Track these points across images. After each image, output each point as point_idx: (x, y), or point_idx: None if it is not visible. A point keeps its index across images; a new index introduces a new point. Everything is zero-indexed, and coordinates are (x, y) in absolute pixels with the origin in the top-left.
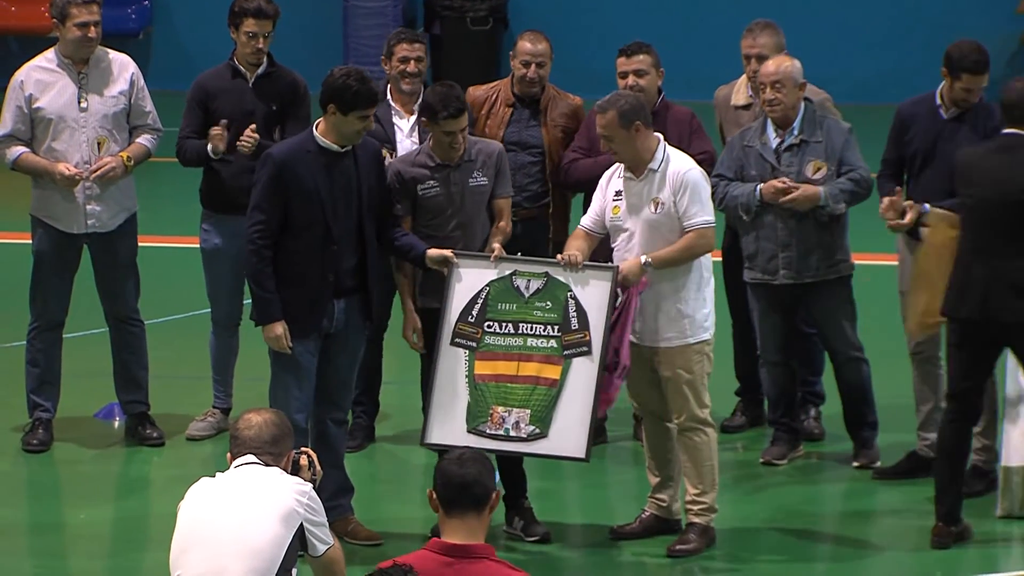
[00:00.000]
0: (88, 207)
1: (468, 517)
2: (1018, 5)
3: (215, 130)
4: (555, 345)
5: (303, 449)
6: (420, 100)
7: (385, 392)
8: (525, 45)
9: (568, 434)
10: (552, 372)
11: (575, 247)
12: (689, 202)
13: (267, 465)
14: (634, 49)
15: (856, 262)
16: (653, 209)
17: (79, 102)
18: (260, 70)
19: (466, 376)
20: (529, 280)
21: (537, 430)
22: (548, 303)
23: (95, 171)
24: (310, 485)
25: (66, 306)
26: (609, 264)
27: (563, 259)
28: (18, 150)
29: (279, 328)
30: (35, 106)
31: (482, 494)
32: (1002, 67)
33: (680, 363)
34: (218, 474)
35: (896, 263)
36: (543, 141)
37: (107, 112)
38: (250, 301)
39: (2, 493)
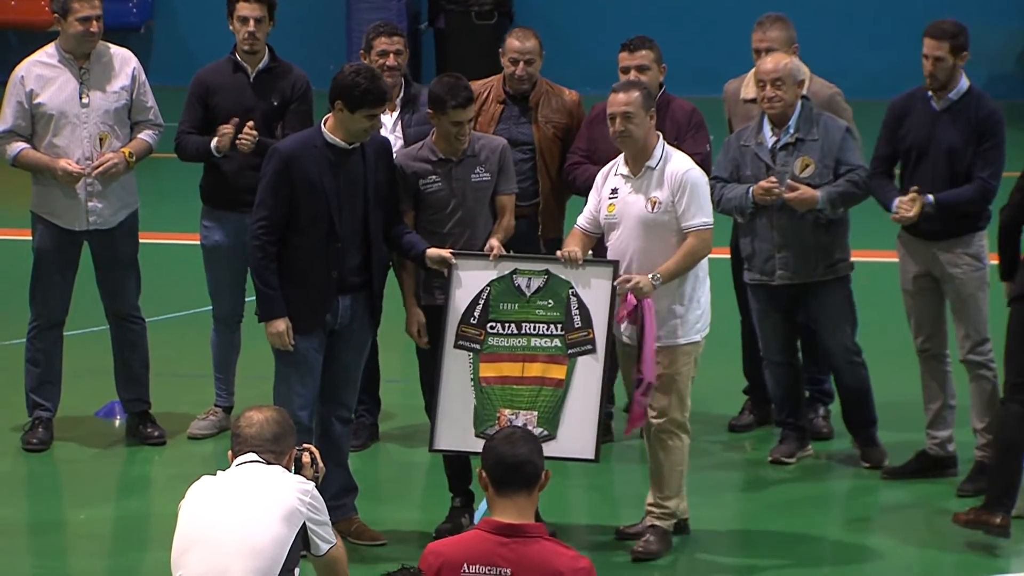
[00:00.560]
0: (89, 204)
1: (519, 496)
2: None
3: (225, 128)
4: (559, 344)
5: (305, 446)
6: (402, 94)
7: (389, 391)
8: (513, 43)
9: (576, 435)
10: (558, 372)
11: (572, 245)
12: (688, 203)
13: (269, 463)
14: (636, 44)
15: (856, 260)
16: (650, 208)
17: (80, 97)
18: (261, 65)
19: (471, 379)
20: (530, 278)
21: (545, 432)
22: (550, 301)
23: (97, 167)
24: (312, 484)
25: (67, 304)
26: (609, 260)
27: (563, 255)
28: (19, 146)
29: (281, 325)
30: (36, 101)
31: (533, 473)
32: (1012, 63)
33: (667, 363)
34: (219, 473)
35: (896, 260)
36: (534, 139)
37: (108, 107)
38: (252, 299)
39: (2, 492)
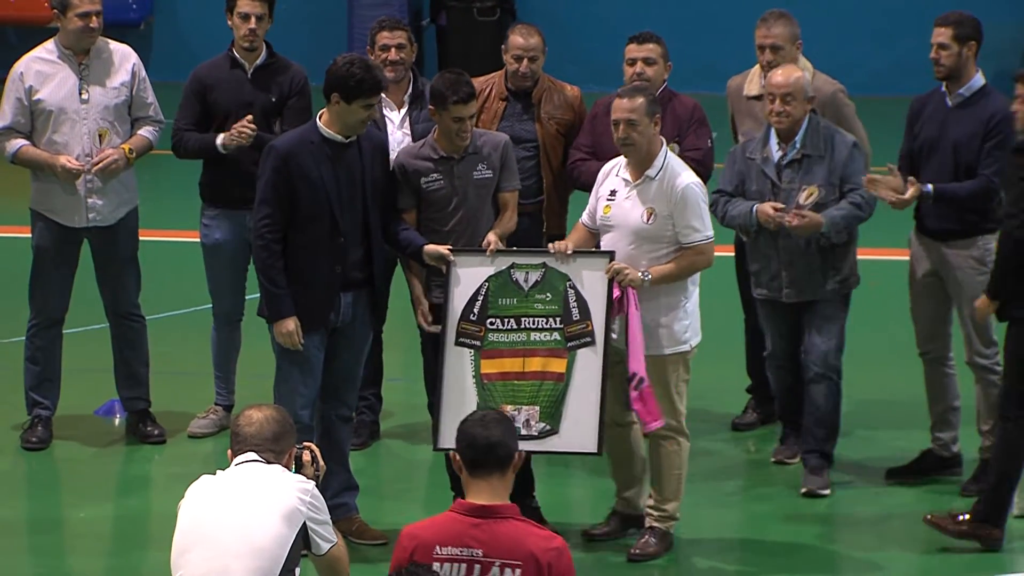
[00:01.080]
0: (89, 200)
1: (492, 478)
2: None
3: (244, 126)
4: (558, 337)
5: (305, 444)
6: (410, 90)
7: (390, 389)
8: (517, 39)
9: (579, 429)
10: (558, 366)
11: (572, 239)
12: (688, 219)
13: (269, 463)
14: (646, 37)
15: (864, 258)
16: (646, 219)
17: (80, 94)
18: (259, 61)
19: (473, 376)
20: (527, 272)
21: (548, 427)
22: (548, 295)
23: (96, 164)
24: (312, 483)
25: (66, 302)
26: (605, 251)
27: (553, 248)
28: (18, 143)
29: (291, 324)
30: (35, 98)
31: (506, 455)
32: (1017, 59)
33: (653, 374)
34: (219, 472)
35: (907, 258)
36: (537, 135)
37: (108, 104)
38: (252, 297)
39: (1, 491)
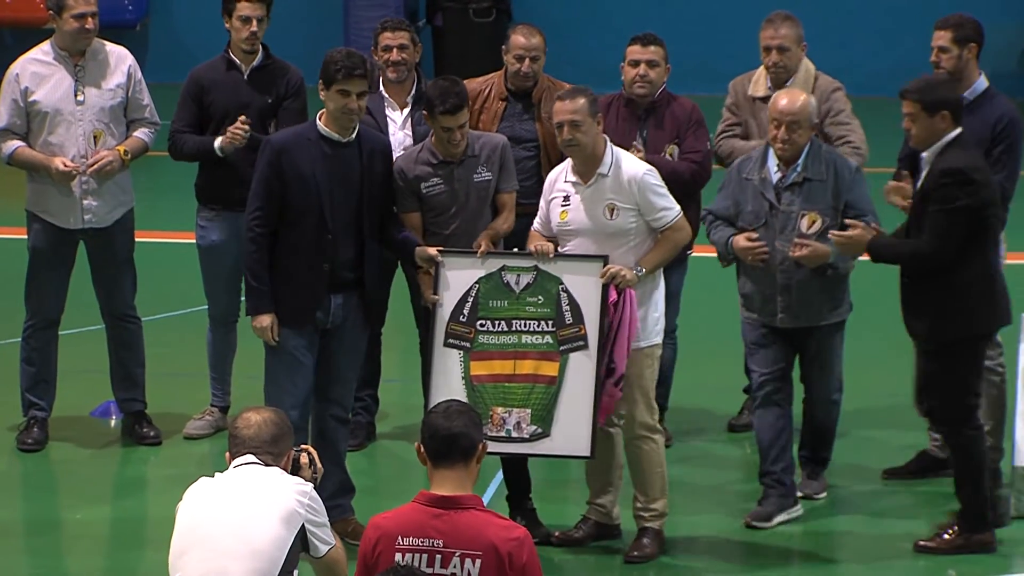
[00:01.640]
0: (85, 202)
1: (456, 469)
2: None
3: (238, 127)
4: (550, 341)
5: (303, 447)
6: (414, 91)
7: (386, 390)
8: (519, 39)
9: (571, 432)
10: (550, 369)
11: (532, 247)
12: (653, 204)
13: (267, 465)
14: (649, 39)
15: (864, 257)
16: (609, 216)
17: (75, 95)
18: (255, 62)
19: (462, 378)
20: (519, 275)
21: (539, 429)
22: (540, 297)
23: (92, 165)
24: (311, 485)
25: (62, 303)
26: (599, 255)
27: (536, 249)
28: (14, 144)
29: (266, 320)
30: (31, 99)
31: (469, 446)
32: (1014, 62)
33: (631, 368)
34: (217, 474)
35: None
36: (537, 135)
37: (104, 105)
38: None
39: None
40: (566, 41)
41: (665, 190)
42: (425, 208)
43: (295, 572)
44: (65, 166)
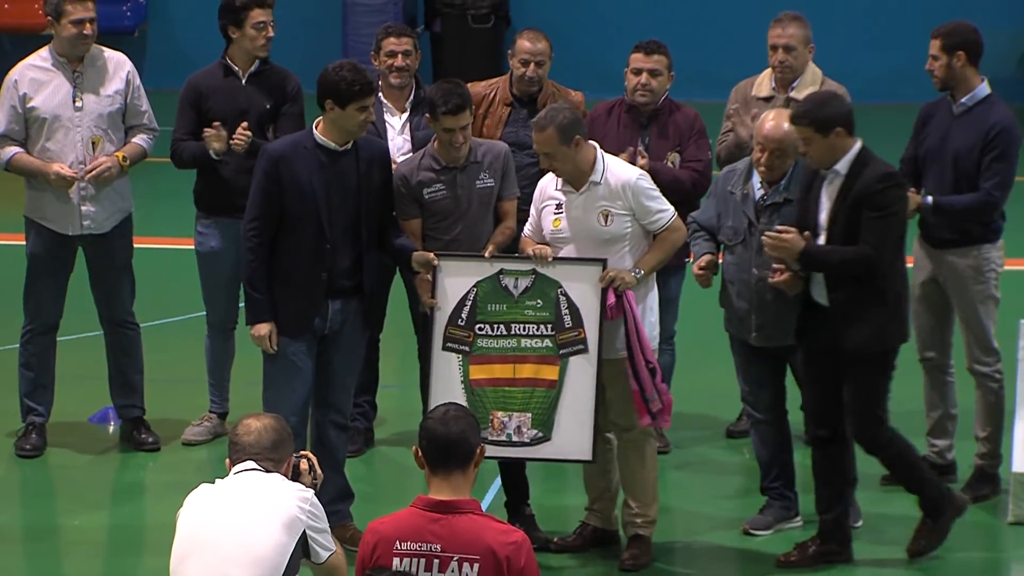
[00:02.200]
0: (83, 208)
1: (453, 474)
2: None
3: (209, 132)
4: (550, 344)
5: (303, 453)
6: (412, 97)
7: (385, 396)
8: (524, 44)
9: (571, 436)
10: (550, 373)
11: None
12: (650, 206)
13: (267, 471)
14: (653, 47)
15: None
16: (603, 222)
17: (74, 101)
18: (253, 68)
19: (461, 382)
20: (517, 278)
21: (540, 434)
22: (539, 301)
23: (90, 171)
24: (312, 491)
25: (60, 309)
26: (597, 258)
27: (533, 252)
28: (12, 150)
29: (264, 329)
30: (29, 105)
31: (467, 451)
32: (1012, 67)
33: (627, 373)
34: (218, 480)
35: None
36: None
37: (102, 111)
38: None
39: None
40: (565, 46)
41: (658, 192)
42: (427, 214)
43: None
44: (63, 172)
